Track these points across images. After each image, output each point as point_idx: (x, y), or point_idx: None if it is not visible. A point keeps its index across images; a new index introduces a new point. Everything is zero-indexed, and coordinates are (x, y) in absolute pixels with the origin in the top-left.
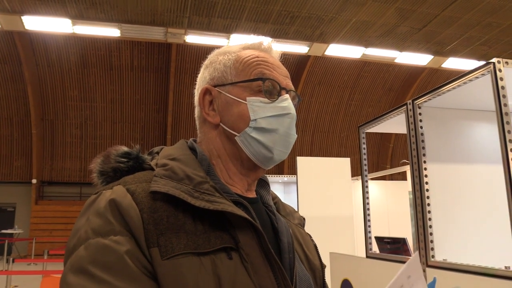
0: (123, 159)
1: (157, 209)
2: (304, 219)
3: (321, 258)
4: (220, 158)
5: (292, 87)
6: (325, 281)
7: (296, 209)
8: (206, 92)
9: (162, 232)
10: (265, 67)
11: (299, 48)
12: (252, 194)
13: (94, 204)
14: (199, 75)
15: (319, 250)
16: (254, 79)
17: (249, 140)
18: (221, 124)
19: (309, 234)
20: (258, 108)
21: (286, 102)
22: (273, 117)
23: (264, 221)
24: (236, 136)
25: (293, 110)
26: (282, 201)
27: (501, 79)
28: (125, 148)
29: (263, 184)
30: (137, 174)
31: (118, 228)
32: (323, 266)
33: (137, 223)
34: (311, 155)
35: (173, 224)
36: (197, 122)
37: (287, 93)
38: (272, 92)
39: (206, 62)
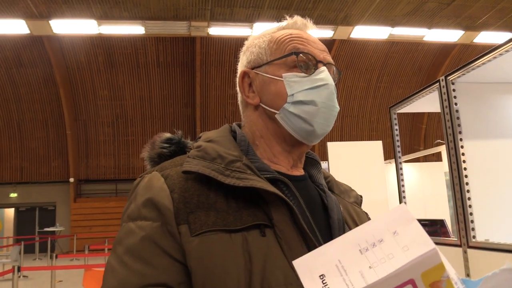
0: (165, 145)
1: (188, 189)
2: (361, 196)
3: None
4: (263, 138)
5: (331, 61)
6: None
7: None
8: (244, 75)
9: (192, 210)
10: (298, 42)
11: (324, 33)
12: (299, 172)
13: (136, 189)
14: (239, 62)
15: None
16: (287, 54)
17: (288, 116)
18: (261, 104)
19: (366, 213)
20: (294, 83)
21: (323, 74)
22: (310, 89)
23: (312, 199)
24: (276, 114)
25: (330, 81)
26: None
27: None
28: (168, 135)
29: (314, 163)
30: (175, 158)
31: (145, 214)
32: None
33: (167, 205)
34: (341, 141)
35: (203, 203)
36: (240, 108)
37: (324, 66)
38: (308, 65)
39: (244, 48)
